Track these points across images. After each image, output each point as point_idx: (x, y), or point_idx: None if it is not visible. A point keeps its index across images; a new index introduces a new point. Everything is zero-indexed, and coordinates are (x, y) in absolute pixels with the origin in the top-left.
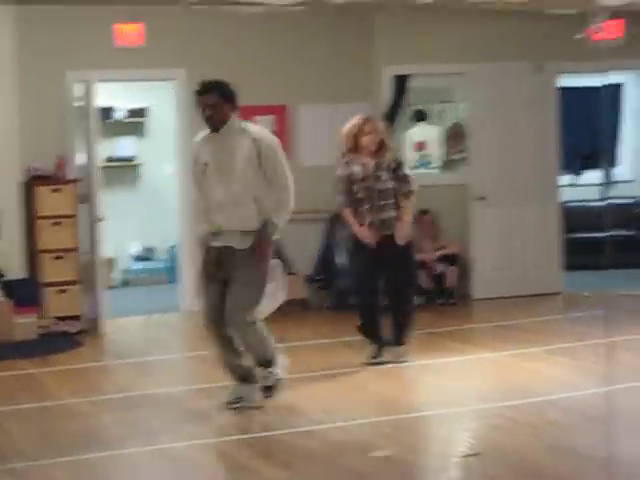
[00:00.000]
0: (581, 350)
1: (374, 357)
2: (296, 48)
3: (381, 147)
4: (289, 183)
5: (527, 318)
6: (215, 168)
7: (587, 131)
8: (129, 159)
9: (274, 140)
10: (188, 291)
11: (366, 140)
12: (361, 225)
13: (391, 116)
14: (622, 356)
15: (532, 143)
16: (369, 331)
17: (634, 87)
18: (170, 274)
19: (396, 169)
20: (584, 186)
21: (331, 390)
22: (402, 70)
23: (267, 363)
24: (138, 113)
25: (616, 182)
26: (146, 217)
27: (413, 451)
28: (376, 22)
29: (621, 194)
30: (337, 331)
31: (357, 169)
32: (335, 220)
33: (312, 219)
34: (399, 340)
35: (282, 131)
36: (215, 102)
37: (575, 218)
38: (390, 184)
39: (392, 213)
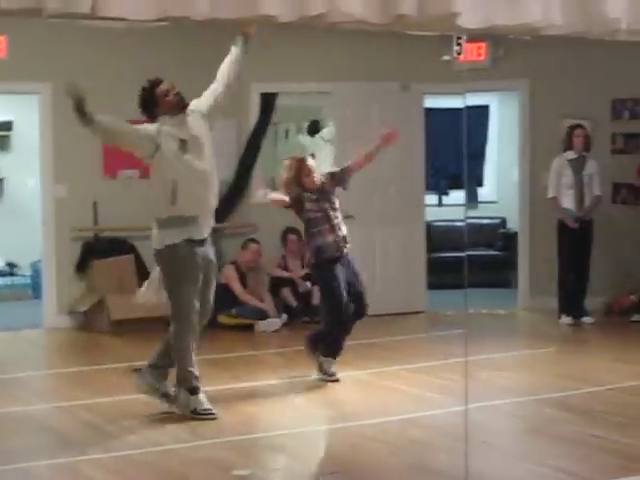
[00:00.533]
0: (442, 369)
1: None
2: (161, 63)
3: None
4: None
5: (391, 336)
6: (194, 147)
7: (453, 152)
8: None
9: None
10: (51, 307)
11: (306, 182)
12: None
13: (258, 134)
14: (481, 374)
15: (399, 163)
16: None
17: (498, 109)
18: (34, 290)
19: (333, 176)
20: (450, 206)
21: None
22: (269, 88)
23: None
24: (2, 126)
25: (481, 202)
26: (9, 232)
27: (272, 470)
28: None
29: (485, 214)
30: (201, 348)
31: (306, 195)
32: None
33: None
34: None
35: None
36: (173, 85)
37: (440, 238)
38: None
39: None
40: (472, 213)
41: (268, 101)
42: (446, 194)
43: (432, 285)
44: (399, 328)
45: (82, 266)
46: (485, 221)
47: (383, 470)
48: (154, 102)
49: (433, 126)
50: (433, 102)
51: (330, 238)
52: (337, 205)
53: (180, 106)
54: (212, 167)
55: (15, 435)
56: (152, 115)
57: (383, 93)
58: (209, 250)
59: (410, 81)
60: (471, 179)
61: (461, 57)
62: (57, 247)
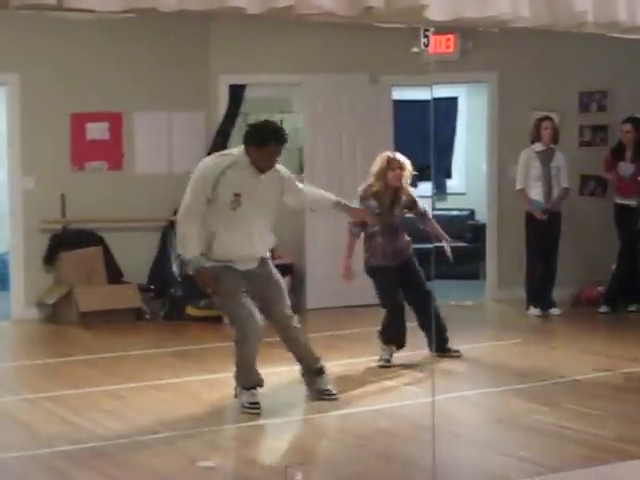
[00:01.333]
0: (410, 359)
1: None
2: (130, 55)
3: (400, 185)
4: None
5: (359, 328)
6: (251, 201)
7: (422, 144)
8: None
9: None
10: (19, 299)
11: (390, 176)
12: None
13: (227, 125)
14: (449, 366)
15: (367, 155)
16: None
17: (466, 101)
18: (2, 282)
19: (410, 204)
20: (418, 197)
21: (161, 400)
22: (238, 79)
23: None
24: None
25: (449, 194)
26: None
27: (238, 461)
28: (212, 30)
29: (454, 206)
30: (169, 340)
31: (373, 203)
32: (170, 229)
33: (146, 228)
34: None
35: (116, 138)
36: (279, 151)
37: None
38: (399, 220)
39: (404, 240)
40: (440, 205)
41: (237, 92)
42: (414, 186)
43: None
44: (368, 320)
45: (50, 258)
46: (453, 213)
47: (351, 460)
48: (256, 146)
49: (402, 118)
50: (402, 94)
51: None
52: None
53: (265, 169)
54: (264, 225)
55: None
56: (247, 144)
57: (352, 85)
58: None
59: (379, 73)
60: (439, 171)
61: (429, 49)
62: (25, 239)
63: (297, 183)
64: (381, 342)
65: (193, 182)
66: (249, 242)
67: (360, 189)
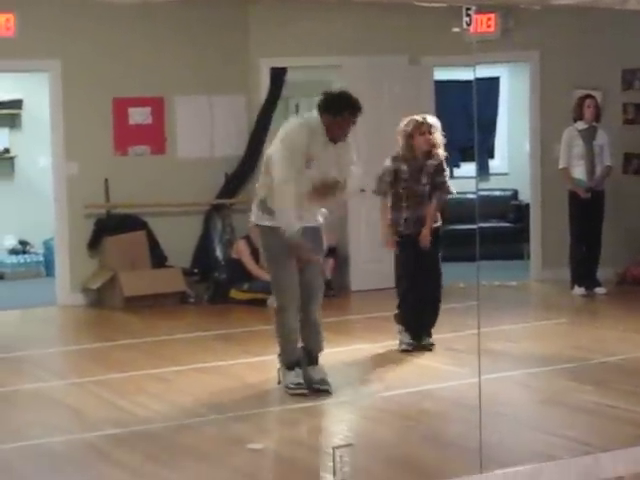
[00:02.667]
0: (455, 341)
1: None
2: (171, 39)
3: (432, 150)
4: None
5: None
6: (317, 168)
7: (464, 124)
8: (3, 151)
9: None
10: (64, 285)
11: (420, 140)
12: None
13: (268, 109)
14: (494, 346)
15: None
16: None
17: (508, 81)
18: (47, 268)
19: (435, 174)
20: (461, 178)
21: (206, 383)
22: (279, 62)
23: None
24: (12, 105)
25: (492, 174)
26: (21, 210)
27: (285, 443)
28: (251, 13)
29: (497, 186)
30: (213, 324)
31: (404, 167)
32: (213, 212)
33: (190, 212)
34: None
35: (159, 123)
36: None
37: (452, 210)
38: (428, 187)
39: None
40: (484, 185)
41: (278, 76)
42: (457, 166)
43: (444, 258)
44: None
45: (94, 243)
46: (497, 193)
47: (398, 442)
48: (331, 115)
49: (443, 99)
50: (443, 74)
51: (405, 215)
52: (426, 191)
53: (340, 139)
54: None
55: (30, 412)
56: (322, 113)
57: (393, 66)
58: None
59: (419, 54)
60: (482, 151)
61: (471, 28)
62: (69, 225)
63: (352, 167)
64: (399, 325)
65: (283, 151)
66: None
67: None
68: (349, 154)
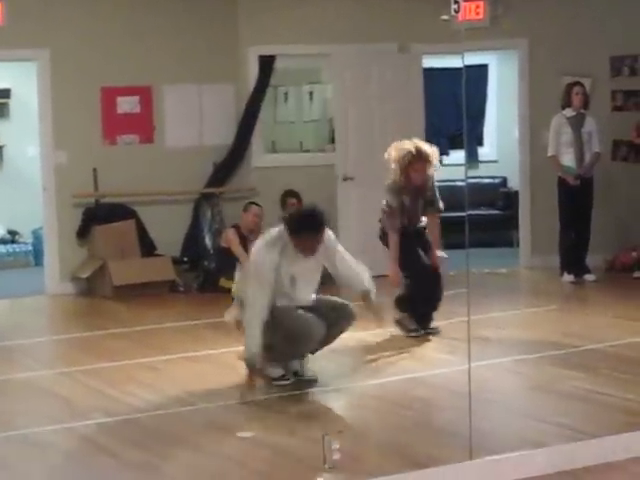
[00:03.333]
0: (445, 328)
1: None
2: (159, 28)
3: (426, 182)
4: None
5: (390, 297)
6: (304, 278)
7: (453, 111)
8: None
9: None
10: (53, 274)
11: (415, 177)
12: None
13: (257, 97)
14: (484, 333)
15: (398, 123)
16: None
17: (497, 68)
18: (36, 257)
19: (428, 192)
20: (450, 166)
21: (196, 372)
22: (267, 50)
23: None
24: (0, 94)
25: (481, 162)
26: (9, 199)
27: (276, 431)
28: (240, 2)
29: (486, 174)
30: (203, 312)
31: (406, 198)
32: (202, 200)
33: (179, 201)
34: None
35: (147, 112)
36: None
37: (441, 198)
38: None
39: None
40: (473, 173)
41: (266, 64)
42: (446, 154)
43: None
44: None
45: (83, 232)
46: (486, 180)
47: (389, 428)
48: (294, 235)
49: (432, 86)
50: (432, 62)
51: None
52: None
53: (308, 255)
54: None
55: (19, 401)
56: (291, 233)
57: (382, 54)
58: None
59: (408, 41)
60: (471, 138)
61: (459, 16)
62: (58, 214)
63: (338, 250)
64: (403, 311)
65: (255, 277)
66: (307, 299)
67: (386, 184)
68: (333, 247)
